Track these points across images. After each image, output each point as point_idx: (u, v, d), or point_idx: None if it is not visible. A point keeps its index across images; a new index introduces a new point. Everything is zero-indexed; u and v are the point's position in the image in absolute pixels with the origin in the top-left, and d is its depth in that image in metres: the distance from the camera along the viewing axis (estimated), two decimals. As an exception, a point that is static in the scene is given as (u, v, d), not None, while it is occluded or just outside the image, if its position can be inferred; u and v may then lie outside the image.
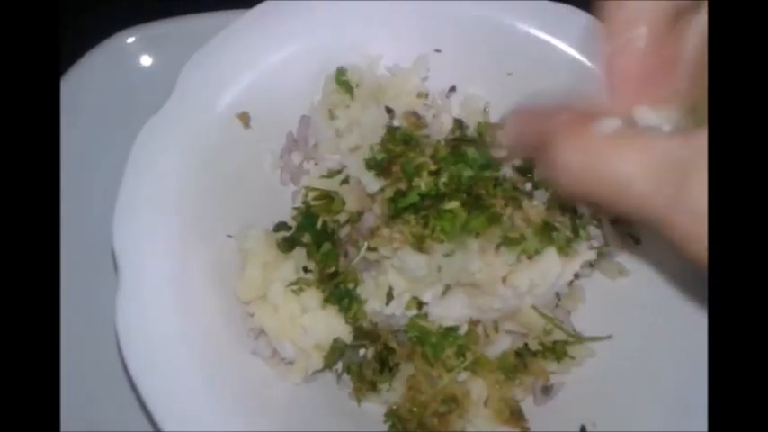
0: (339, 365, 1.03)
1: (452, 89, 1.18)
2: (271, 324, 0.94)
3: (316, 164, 1.12)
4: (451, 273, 0.88)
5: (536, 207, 0.89)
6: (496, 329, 1.02)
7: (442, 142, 0.95)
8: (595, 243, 0.93)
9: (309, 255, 0.97)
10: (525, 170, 1.00)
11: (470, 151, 0.89)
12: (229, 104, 1.05)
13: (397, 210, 0.86)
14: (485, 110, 1.18)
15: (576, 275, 1.00)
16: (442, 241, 0.85)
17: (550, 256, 0.88)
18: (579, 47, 1.14)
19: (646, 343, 1.02)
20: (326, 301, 0.94)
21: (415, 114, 1.05)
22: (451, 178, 0.85)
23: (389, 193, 0.88)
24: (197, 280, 0.97)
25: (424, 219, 0.85)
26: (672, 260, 1.05)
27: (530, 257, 0.87)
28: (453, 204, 0.84)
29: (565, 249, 0.88)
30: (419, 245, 0.86)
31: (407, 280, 0.92)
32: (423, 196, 0.85)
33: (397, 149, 0.91)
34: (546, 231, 0.88)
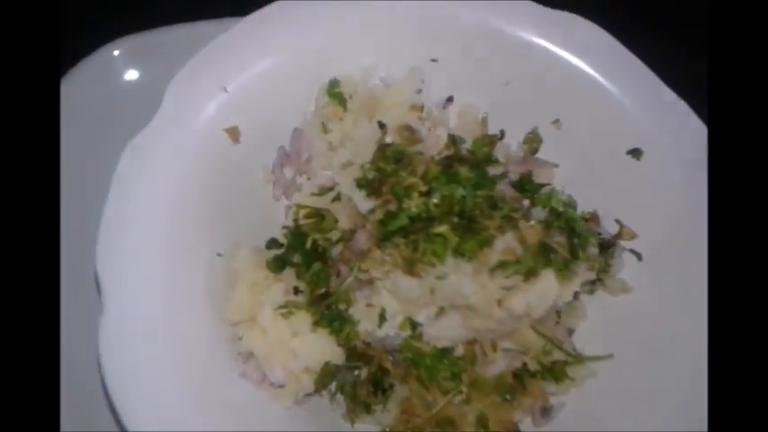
0: (333, 385, 1.00)
1: (449, 99, 1.15)
2: (260, 348, 0.91)
3: (309, 178, 1.10)
4: (445, 295, 0.86)
5: (533, 227, 0.85)
6: (495, 348, 0.99)
7: (435, 160, 0.92)
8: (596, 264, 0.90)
9: (299, 275, 0.94)
10: (522, 186, 0.97)
11: (463, 170, 0.86)
12: (218, 119, 1.03)
13: (386, 233, 0.83)
14: (482, 120, 1.15)
15: (577, 294, 0.97)
16: (433, 265, 0.82)
17: (548, 278, 0.84)
18: (578, 54, 1.11)
19: (649, 362, 0.98)
20: (317, 324, 0.91)
21: (409, 128, 1.01)
22: (443, 200, 0.82)
23: (380, 214, 0.85)
24: (185, 301, 0.95)
25: (414, 243, 0.81)
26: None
27: (526, 280, 0.84)
28: (443, 228, 0.80)
29: (563, 271, 0.85)
30: (410, 268, 0.83)
31: (400, 301, 0.90)
32: (413, 219, 0.82)
33: (388, 168, 0.88)
34: (543, 252, 0.84)
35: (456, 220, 0.82)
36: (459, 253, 0.81)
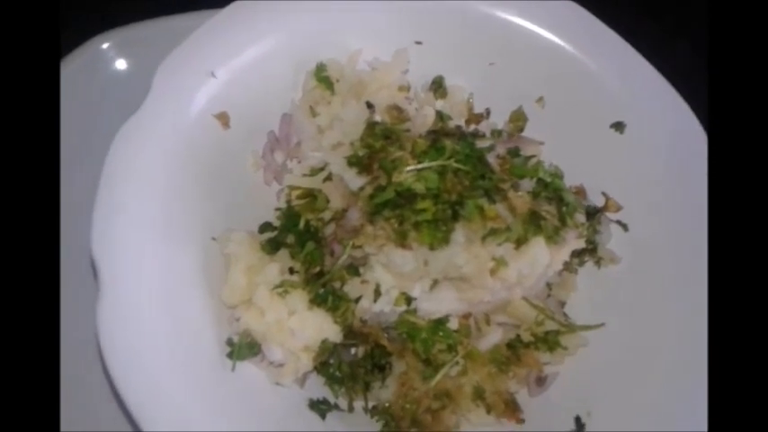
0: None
1: (436, 81, 1.17)
2: (258, 328, 0.92)
3: (299, 162, 1.11)
4: (438, 267, 0.87)
5: (522, 197, 0.87)
6: (488, 322, 1.00)
7: (423, 135, 0.93)
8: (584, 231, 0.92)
9: (294, 255, 0.95)
10: (510, 158, 0.98)
11: (449, 143, 0.87)
12: (207, 105, 1.03)
13: (375, 206, 0.84)
14: (468, 100, 1.17)
15: (567, 265, 0.99)
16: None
17: (538, 245, 0.86)
18: (559, 32, 1.13)
19: (639, 330, 1.01)
20: (313, 302, 0.92)
21: (397, 108, 1.03)
22: (430, 176, 0.84)
23: (370, 189, 0.86)
24: (182, 285, 0.95)
25: (399, 218, 0.83)
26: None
27: (517, 248, 0.86)
28: (426, 204, 0.82)
29: (553, 238, 0.87)
30: (401, 241, 0.84)
31: (395, 276, 0.91)
32: (399, 193, 0.84)
33: (377, 145, 0.90)
34: (533, 220, 0.86)
35: (442, 197, 0.83)
36: (443, 235, 0.82)
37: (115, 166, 0.94)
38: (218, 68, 1.05)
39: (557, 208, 0.89)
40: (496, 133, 1.13)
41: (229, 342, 0.93)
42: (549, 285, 1.03)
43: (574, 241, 0.90)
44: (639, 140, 1.09)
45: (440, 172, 0.86)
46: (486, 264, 0.86)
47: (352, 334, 0.98)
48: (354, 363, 1.00)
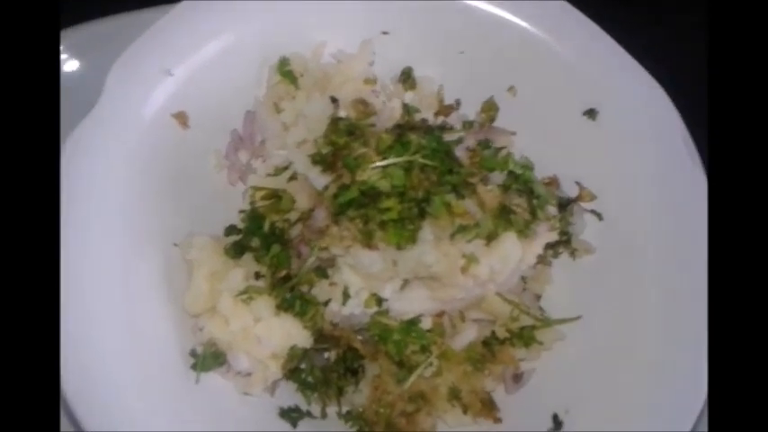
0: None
1: (405, 72, 1.13)
2: (222, 337, 0.89)
3: (264, 161, 1.07)
4: (407, 266, 0.84)
5: (491, 191, 0.85)
6: (463, 319, 0.98)
7: (388, 130, 0.90)
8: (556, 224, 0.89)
9: (259, 259, 0.92)
10: (480, 150, 0.95)
11: (415, 138, 0.84)
12: (164, 104, 0.99)
13: (339, 206, 0.81)
14: (439, 92, 1.14)
15: (541, 258, 0.96)
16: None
17: (509, 240, 0.84)
18: (530, 19, 1.09)
19: (616, 321, 0.99)
20: (279, 307, 0.89)
21: (363, 102, 0.99)
22: (395, 173, 0.80)
23: (334, 189, 0.83)
24: (142, 293, 0.92)
25: (364, 217, 0.80)
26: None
27: (487, 244, 0.83)
28: (391, 202, 0.79)
29: (524, 231, 0.84)
30: (367, 241, 0.81)
31: (363, 277, 0.88)
32: (363, 192, 0.80)
33: (341, 141, 0.86)
34: (502, 215, 0.83)
35: (409, 192, 0.80)
36: (409, 235, 0.80)
37: (68, 170, 0.90)
38: (175, 66, 1.01)
39: (527, 201, 0.86)
40: (468, 125, 1.10)
41: (193, 353, 0.90)
42: (523, 279, 1.01)
43: (546, 234, 0.88)
44: (614, 127, 1.06)
45: (405, 168, 0.83)
46: (456, 261, 0.83)
47: (324, 338, 0.95)
48: (327, 367, 0.97)
